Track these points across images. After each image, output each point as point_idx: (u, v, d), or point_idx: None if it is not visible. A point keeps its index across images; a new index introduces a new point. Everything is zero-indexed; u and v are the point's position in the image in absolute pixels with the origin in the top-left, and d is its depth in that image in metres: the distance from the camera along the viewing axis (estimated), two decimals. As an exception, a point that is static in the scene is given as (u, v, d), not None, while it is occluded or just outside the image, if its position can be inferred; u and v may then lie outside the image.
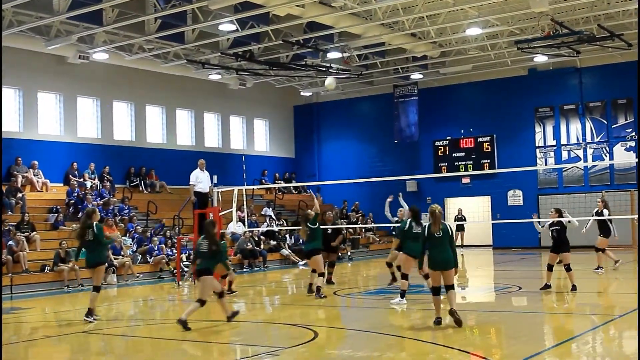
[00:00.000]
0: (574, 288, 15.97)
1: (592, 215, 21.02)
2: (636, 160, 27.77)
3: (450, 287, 11.75)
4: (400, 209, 18.12)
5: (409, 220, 15.09)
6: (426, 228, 11.81)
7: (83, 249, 14.35)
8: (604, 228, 20.34)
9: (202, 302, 12.60)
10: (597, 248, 20.52)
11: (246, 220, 26.74)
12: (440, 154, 35.80)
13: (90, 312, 13.86)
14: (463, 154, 35.18)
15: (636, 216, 28.12)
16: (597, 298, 15.91)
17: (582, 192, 32.20)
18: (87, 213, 14.40)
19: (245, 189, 24.18)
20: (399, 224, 16.21)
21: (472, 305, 15.78)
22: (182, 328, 12.15)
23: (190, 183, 21.19)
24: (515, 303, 15.29)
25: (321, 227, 17.43)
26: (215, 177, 26.43)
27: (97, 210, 14.67)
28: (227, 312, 13.04)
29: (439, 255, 11.67)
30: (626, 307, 13.37)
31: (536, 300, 15.30)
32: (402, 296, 14.78)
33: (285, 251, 29.02)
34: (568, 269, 16.27)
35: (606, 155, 32.05)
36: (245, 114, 37.36)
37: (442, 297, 11.78)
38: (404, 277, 14.97)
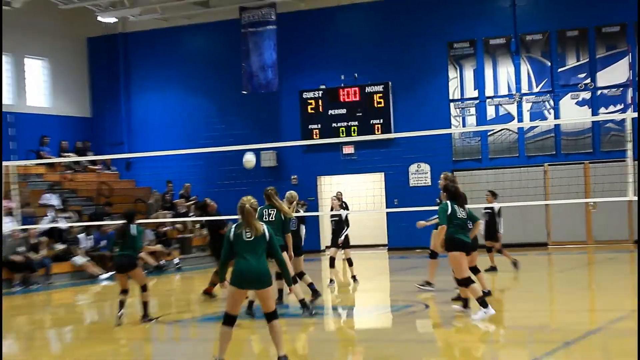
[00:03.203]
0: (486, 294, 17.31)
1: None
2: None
3: (272, 317, 11.98)
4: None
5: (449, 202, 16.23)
6: (232, 229, 12.04)
7: None
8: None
9: None
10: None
11: (17, 213, 26.30)
12: (310, 111, 36.21)
13: None
14: (344, 110, 35.69)
15: (591, 200, 29.58)
16: (536, 318, 16.68)
17: (516, 165, 33.34)
18: None
19: (16, 165, 23.82)
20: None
21: (360, 334, 16.32)
22: None
23: None
24: (421, 328, 15.81)
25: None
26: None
27: None
28: None
29: (244, 266, 11.83)
30: (575, 331, 14.20)
31: (445, 323, 15.88)
32: (485, 305, 15.67)
33: (80, 259, 28.79)
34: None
35: (550, 113, 33.28)
36: (13, 49, 36.54)
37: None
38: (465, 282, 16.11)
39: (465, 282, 16.01)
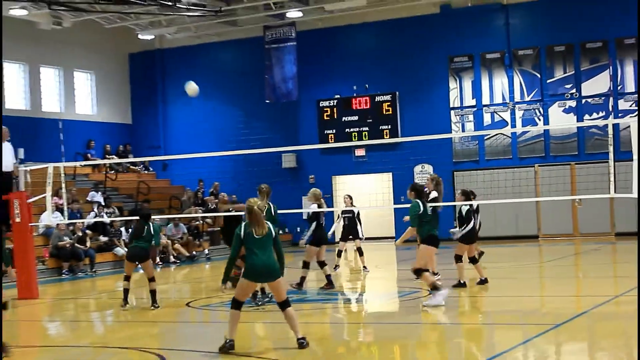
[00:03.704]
0: (483, 281, 18.33)
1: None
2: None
3: (285, 305, 11.98)
4: None
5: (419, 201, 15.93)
6: (242, 228, 11.95)
7: None
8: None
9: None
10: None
11: (66, 208, 26.26)
12: (326, 117, 36.17)
13: None
14: (356, 117, 35.63)
15: (577, 197, 29.41)
16: (528, 303, 16.57)
17: (510, 166, 33.20)
18: None
19: (64, 167, 23.73)
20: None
21: (370, 317, 16.26)
22: None
23: (-14, 158, 20.65)
24: (426, 312, 15.65)
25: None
26: (20, 151, 25.84)
27: None
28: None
29: (257, 261, 11.81)
30: (563, 314, 14.10)
31: (451, 307, 15.77)
32: (436, 289, 15.52)
33: (121, 250, 28.74)
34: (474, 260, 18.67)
35: (540, 119, 33.16)
36: (63, 64, 36.60)
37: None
38: (419, 272, 15.82)
39: (419, 272, 15.72)
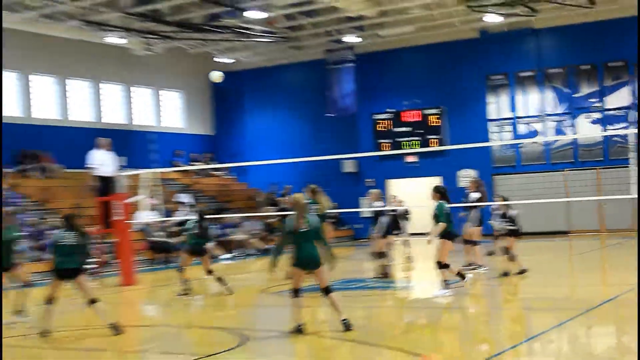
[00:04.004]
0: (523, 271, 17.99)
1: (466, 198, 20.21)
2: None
3: (327, 291, 11.89)
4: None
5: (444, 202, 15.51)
6: (290, 222, 11.82)
7: None
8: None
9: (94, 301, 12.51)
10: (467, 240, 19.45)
11: (161, 208, 26.47)
12: (381, 129, 36.10)
13: None
14: (407, 129, 35.53)
15: (602, 198, 29.05)
16: (560, 291, 16.38)
17: (543, 170, 32.94)
18: None
19: (157, 172, 23.98)
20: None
21: (419, 302, 16.19)
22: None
23: (91, 165, 20.93)
24: (468, 298, 15.55)
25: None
26: (123, 159, 26.12)
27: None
28: (107, 320, 12.48)
29: (302, 252, 11.76)
30: (592, 301, 13.92)
31: (489, 295, 15.67)
32: (447, 287, 15.38)
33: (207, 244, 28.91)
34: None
35: (569, 129, 32.79)
36: (154, 84, 36.98)
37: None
38: (444, 266, 15.43)
39: (444, 266, 15.36)
